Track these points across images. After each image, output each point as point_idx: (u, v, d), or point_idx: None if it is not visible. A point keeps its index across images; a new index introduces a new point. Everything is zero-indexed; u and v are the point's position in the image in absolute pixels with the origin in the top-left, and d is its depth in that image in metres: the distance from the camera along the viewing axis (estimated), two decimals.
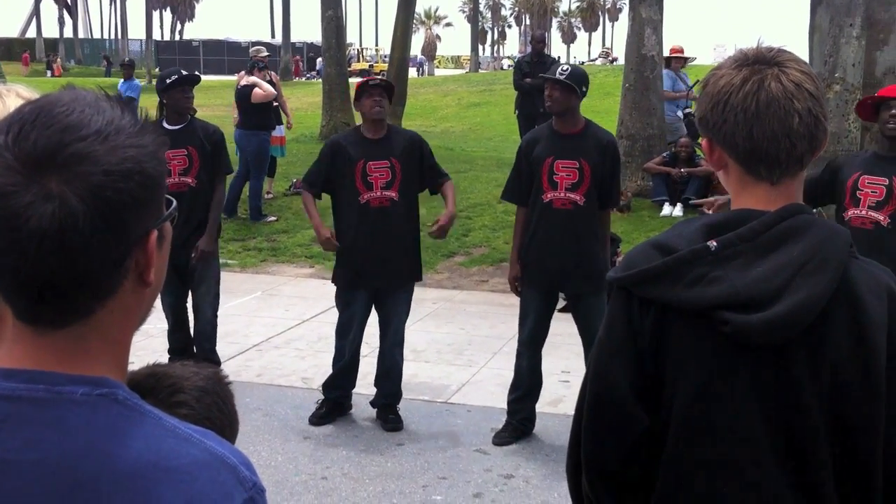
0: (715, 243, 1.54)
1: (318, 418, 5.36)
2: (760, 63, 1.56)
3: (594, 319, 4.82)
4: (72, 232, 0.92)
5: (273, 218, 10.71)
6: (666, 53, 12.11)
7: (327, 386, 5.45)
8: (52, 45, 65.01)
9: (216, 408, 1.36)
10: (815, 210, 4.49)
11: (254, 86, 10.51)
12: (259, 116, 10.58)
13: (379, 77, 5.54)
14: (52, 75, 50.21)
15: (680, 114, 11.91)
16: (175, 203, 1.05)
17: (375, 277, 5.24)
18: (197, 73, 6.18)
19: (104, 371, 0.99)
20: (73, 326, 0.97)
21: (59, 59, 57.46)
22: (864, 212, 4.42)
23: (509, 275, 5.25)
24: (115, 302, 0.98)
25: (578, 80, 4.92)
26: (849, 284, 1.53)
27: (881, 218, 4.40)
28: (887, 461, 1.55)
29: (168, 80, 5.61)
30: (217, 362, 5.94)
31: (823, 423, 1.54)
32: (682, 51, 12.35)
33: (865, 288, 1.54)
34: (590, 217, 4.99)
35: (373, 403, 5.44)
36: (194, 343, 5.90)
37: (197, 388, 1.36)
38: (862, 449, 1.55)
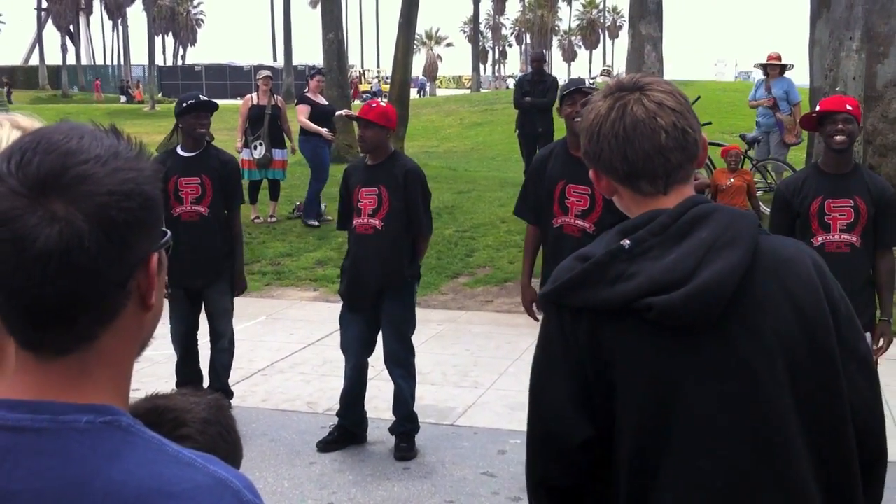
0: (628, 242, 1.60)
1: (325, 444, 5.31)
2: (622, 90, 1.67)
3: None
4: (77, 252, 0.93)
5: (329, 217, 11.21)
6: (763, 60, 12.10)
7: (339, 413, 5.39)
8: (54, 71, 64.97)
9: (220, 438, 1.37)
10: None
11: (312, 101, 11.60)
12: (315, 123, 11.37)
13: (377, 100, 5.46)
14: (131, 101, 47.53)
15: (771, 119, 11.86)
16: (169, 233, 1.06)
17: (362, 300, 5.18)
18: (214, 100, 5.94)
19: (107, 398, 1.00)
20: (77, 353, 0.98)
21: (139, 84, 53.63)
22: (836, 236, 4.41)
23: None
24: (118, 326, 1.00)
25: None
26: (769, 255, 1.61)
27: (854, 240, 4.39)
28: (854, 410, 1.62)
29: (184, 104, 5.53)
30: (230, 394, 5.85)
31: (787, 395, 1.57)
32: (778, 58, 12.04)
33: (786, 254, 1.63)
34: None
35: (391, 430, 5.35)
36: (210, 375, 5.78)
37: (200, 421, 1.36)
38: (824, 406, 1.60)
